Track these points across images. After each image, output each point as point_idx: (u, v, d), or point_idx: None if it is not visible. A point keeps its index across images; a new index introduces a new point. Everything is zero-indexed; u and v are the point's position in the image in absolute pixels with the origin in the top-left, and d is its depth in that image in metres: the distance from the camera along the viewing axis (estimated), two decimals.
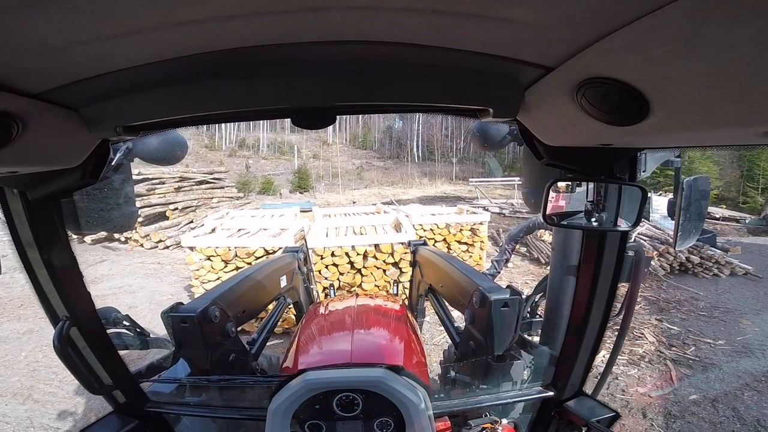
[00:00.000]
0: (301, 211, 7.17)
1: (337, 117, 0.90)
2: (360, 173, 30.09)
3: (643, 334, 5.24)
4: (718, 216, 13.70)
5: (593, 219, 1.11)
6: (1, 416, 3.67)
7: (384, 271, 5.51)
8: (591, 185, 1.11)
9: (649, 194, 11.27)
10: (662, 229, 8.07)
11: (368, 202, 15.53)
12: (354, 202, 16.59)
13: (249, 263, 4.93)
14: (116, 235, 9.58)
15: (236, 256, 4.91)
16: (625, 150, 1.02)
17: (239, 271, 2.18)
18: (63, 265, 1.07)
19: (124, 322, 1.45)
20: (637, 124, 0.68)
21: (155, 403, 1.40)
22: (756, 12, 0.39)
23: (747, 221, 13.77)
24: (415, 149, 34.31)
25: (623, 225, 1.06)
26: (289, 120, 0.90)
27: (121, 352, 1.31)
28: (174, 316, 1.39)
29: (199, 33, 0.60)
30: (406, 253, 5.30)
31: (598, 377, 1.60)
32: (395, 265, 5.50)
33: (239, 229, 5.59)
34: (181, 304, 1.46)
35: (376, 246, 5.49)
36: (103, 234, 9.39)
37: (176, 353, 1.48)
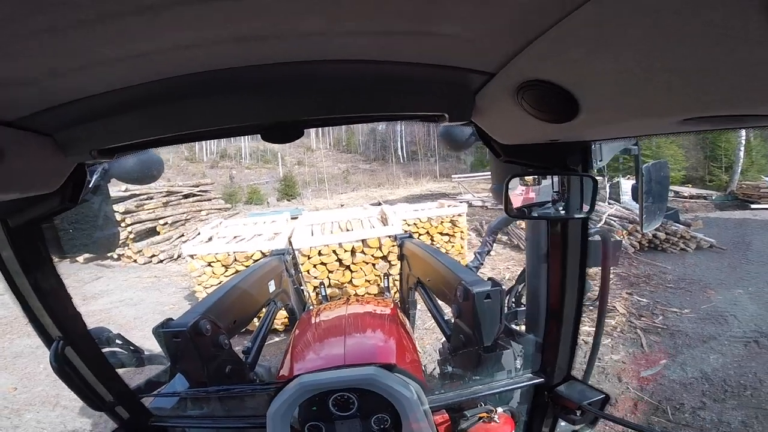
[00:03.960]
0: (291, 218, 7.29)
1: (305, 130, 0.93)
2: (346, 177, 30.10)
3: (614, 307, 5.58)
4: (686, 195, 14.41)
5: (553, 209, 1.17)
6: (37, 422, 3.89)
7: (373, 265, 5.62)
8: (549, 177, 1.17)
9: (618, 179, 11.90)
10: (631, 210, 8.61)
11: (356, 205, 15.74)
12: (342, 206, 16.88)
13: (248, 266, 4.99)
14: (106, 253, 9.58)
15: (235, 260, 5.14)
16: (573, 143, 1.06)
17: (226, 281, 2.14)
18: (50, 289, 1.07)
19: (117, 341, 1.46)
20: (571, 121, 0.73)
21: (159, 418, 1.42)
22: (641, 12, 0.42)
23: (714, 198, 14.54)
24: (399, 150, 34.44)
25: (580, 212, 1.12)
26: None
27: (119, 371, 1.34)
28: (165, 331, 1.39)
29: (165, 60, 0.64)
30: (393, 245, 5.30)
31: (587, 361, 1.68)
32: (384, 258, 5.60)
33: (235, 236, 5.81)
34: (171, 319, 1.46)
35: (364, 241, 5.56)
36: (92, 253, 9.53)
37: (172, 368, 1.50)
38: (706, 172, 18.03)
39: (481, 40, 0.62)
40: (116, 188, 9.85)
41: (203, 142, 31.42)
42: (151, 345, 1.51)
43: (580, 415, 1.40)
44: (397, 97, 0.83)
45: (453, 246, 6.61)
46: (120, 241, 9.46)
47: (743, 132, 17.28)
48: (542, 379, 1.48)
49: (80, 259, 9.54)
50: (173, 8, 0.49)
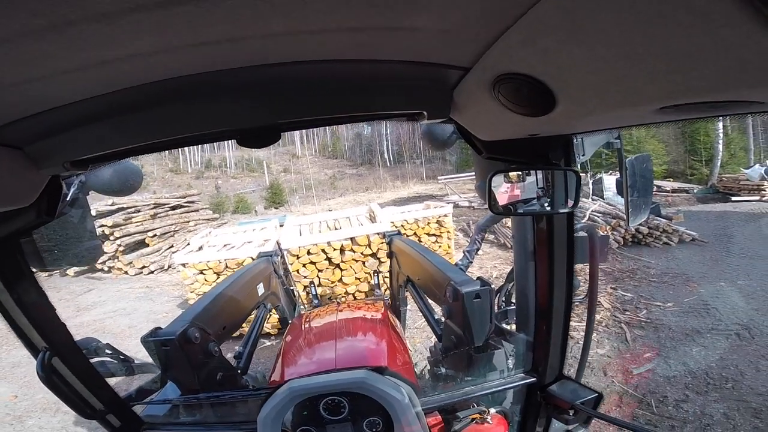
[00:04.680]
0: (280, 225, 7.32)
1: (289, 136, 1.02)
2: (333, 182, 30.12)
3: (599, 302, 5.63)
4: (668, 189, 14.74)
5: (537, 204, 1.16)
6: (39, 428, 3.95)
7: (363, 263, 5.63)
8: (534, 172, 1.15)
9: (601, 174, 12.14)
10: (614, 205, 8.81)
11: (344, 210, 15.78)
12: (330, 210, 16.91)
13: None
14: (98, 265, 9.59)
15: (227, 267, 5.17)
16: (553, 138, 1.05)
17: (213, 286, 2.09)
18: (32, 301, 1.06)
19: (107, 351, 1.44)
20: (549, 114, 0.72)
21: (151, 425, 1.41)
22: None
23: (695, 191, 14.91)
24: (385, 153, 34.59)
25: (564, 207, 1.11)
26: None
27: (109, 380, 1.34)
28: (154, 340, 1.38)
29: (133, 68, 0.61)
30: (382, 242, 5.32)
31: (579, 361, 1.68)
32: (373, 255, 5.61)
33: (225, 244, 5.84)
34: (160, 328, 1.45)
35: (352, 239, 5.57)
36: (84, 266, 9.40)
37: (163, 376, 1.50)
38: (687, 166, 18.47)
39: (453, 31, 0.61)
40: (103, 202, 9.93)
41: (188, 152, 31.45)
42: (146, 352, 1.51)
43: (574, 414, 1.38)
44: (373, 96, 0.82)
45: (440, 246, 6.71)
46: (103, 254, 9.41)
47: (720, 125, 17.86)
48: (534, 379, 1.47)
49: (70, 272, 9.52)
50: (134, 15, 0.47)
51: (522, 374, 1.50)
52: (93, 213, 9.52)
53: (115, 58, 0.57)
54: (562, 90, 0.65)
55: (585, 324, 1.58)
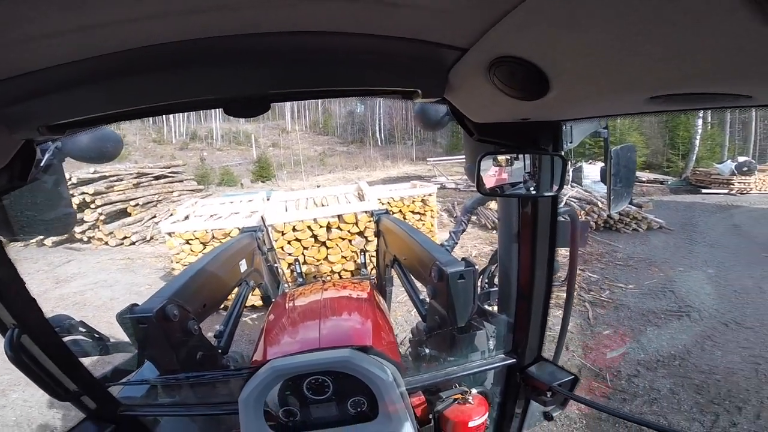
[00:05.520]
0: (267, 199, 7.25)
1: (275, 104, 0.88)
2: (323, 159, 29.89)
3: (558, 278, 6.01)
4: (644, 179, 15.30)
5: (523, 187, 1.16)
6: (23, 401, 3.90)
7: (349, 241, 5.56)
8: (522, 157, 1.16)
9: (581, 163, 12.47)
10: (590, 192, 9.17)
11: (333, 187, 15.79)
12: (318, 186, 16.97)
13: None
14: (78, 235, 9.42)
15: (213, 237, 5.20)
16: (544, 123, 1.06)
17: (193, 262, 1.97)
18: (1, 275, 1.00)
19: (80, 328, 1.38)
20: (542, 98, 0.72)
21: (128, 407, 1.37)
22: None
23: (669, 182, 15.57)
24: (377, 133, 34.39)
25: (549, 191, 1.12)
26: None
27: (83, 360, 1.27)
28: (130, 317, 1.31)
29: (121, 32, 0.59)
30: (370, 221, 5.21)
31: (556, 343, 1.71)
32: (360, 234, 5.54)
33: (212, 215, 5.85)
34: (136, 305, 1.37)
35: (339, 217, 5.45)
36: (63, 236, 9.27)
37: (140, 356, 1.45)
38: (665, 158, 19.10)
39: (454, 12, 0.61)
40: (84, 170, 9.68)
41: (173, 122, 30.66)
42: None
43: (551, 396, 1.40)
44: (368, 71, 0.80)
45: (424, 224, 6.98)
46: (76, 223, 9.13)
47: (700, 121, 18.38)
48: (514, 360, 1.48)
49: (48, 242, 9.38)
50: None
51: (502, 355, 1.51)
52: (74, 180, 9.36)
53: (99, 23, 0.55)
54: (556, 75, 0.65)
55: (563, 307, 1.61)
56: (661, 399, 3.56)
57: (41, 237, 8.66)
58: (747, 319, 4.85)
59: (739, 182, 13.49)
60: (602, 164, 11.81)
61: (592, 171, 11.31)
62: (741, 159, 14.55)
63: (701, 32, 0.44)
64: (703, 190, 14.01)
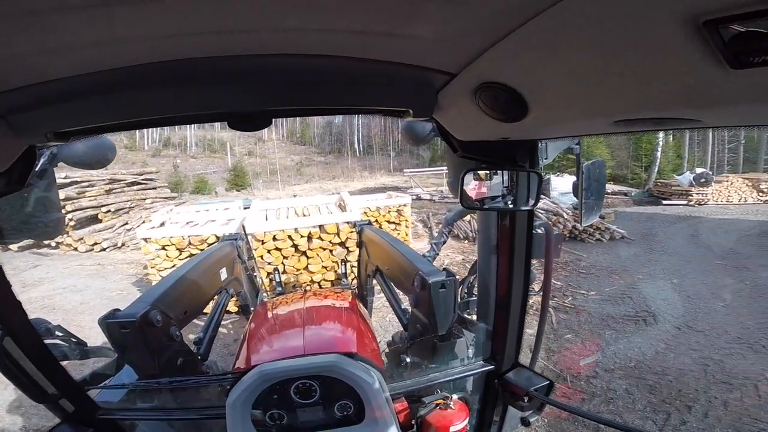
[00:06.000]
0: (244, 208, 7.25)
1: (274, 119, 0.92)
2: (300, 169, 29.82)
3: (532, 287, 6.21)
4: (609, 191, 15.85)
5: (502, 201, 1.23)
6: None
7: (330, 251, 5.54)
8: (501, 173, 1.22)
9: (549, 176, 12.95)
10: (557, 204, 9.57)
11: (310, 196, 15.74)
12: (295, 196, 16.93)
13: (202, 249, 4.96)
14: (45, 241, 9.08)
15: (190, 243, 5.19)
16: (522, 142, 1.13)
17: (175, 268, 1.95)
18: None
19: (57, 333, 1.37)
20: (522, 120, 0.79)
21: (107, 411, 1.36)
22: (589, 21, 0.48)
23: (632, 194, 16.30)
24: (356, 144, 34.54)
25: (525, 205, 1.18)
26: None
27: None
28: (113, 322, 1.30)
29: (134, 48, 0.62)
30: (352, 232, 5.26)
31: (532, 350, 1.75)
32: (342, 245, 5.53)
33: (188, 222, 5.80)
34: (118, 310, 1.37)
35: (321, 227, 5.43)
36: (29, 240, 9.05)
37: (119, 360, 1.44)
38: (629, 171, 20.05)
39: (448, 42, 0.66)
40: (56, 174, 9.35)
41: (145, 129, 29.85)
42: (98, 335, 1.40)
43: (528, 401, 1.45)
44: (364, 92, 0.84)
45: (399, 233, 7.16)
46: (65, 228, 9.02)
47: (661, 134, 19.41)
48: (492, 367, 1.53)
49: (13, 247, 8.96)
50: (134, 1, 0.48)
51: (481, 362, 1.56)
52: None
53: (112, 39, 0.58)
54: (534, 100, 0.71)
55: (539, 314, 1.64)
56: (617, 399, 3.73)
57: (13, 242, 8.31)
58: (699, 323, 5.15)
59: (697, 193, 14.21)
60: (570, 176, 12.38)
61: (559, 183, 11.81)
62: (699, 170, 15.33)
63: (657, 69, 0.51)
64: (664, 201, 14.71)
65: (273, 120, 0.97)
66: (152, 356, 1.37)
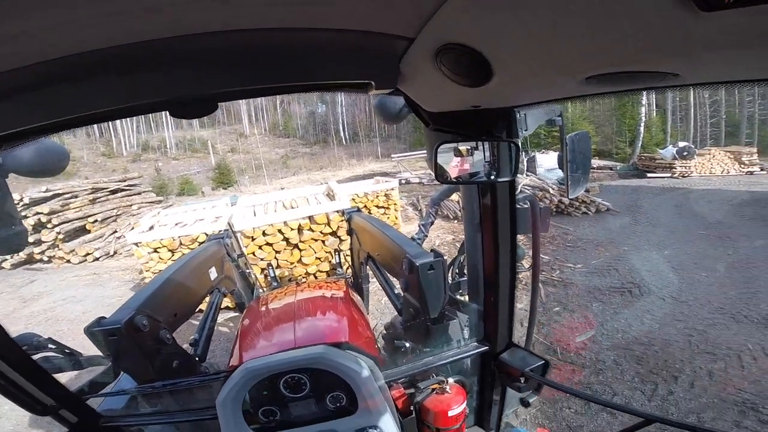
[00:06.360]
0: (231, 204, 7.18)
1: (222, 104, 0.86)
2: (285, 162, 29.56)
3: (521, 264, 6.28)
4: (595, 166, 16.14)
5: (480, 174, 1.20)
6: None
7: (323, 242, 5.50)
8: (481, 147, 1.18)
9: (534, 153, 13.10)
10: (542, 180, 9.70)
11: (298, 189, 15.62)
12: (282, 189, 16.81)
13: (194, 248, 4.79)
14: (37, 255, 9.08)
15: (181, 244, 5.18)
16: (496, 111, 1.08)
17: (159, 273, 1.94)
18: None
19: (50, 345, 1.36)
20: (487, 85, 0.76)
21: (110, 418, 1.37)
22: None
23: (618, 168, 16.55)
24: (341, 132, 34.30)
25: (505, 175, 1.16)
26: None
27: (60, 375, 1.29)
28: (98, 330, 1.29)
29: (56, 38, 0.56)
30: (342, 221, 5.18)
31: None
32: (333, 234, 5.49)
33: (176, 223, 5.78)
34: (104, 318, 1.36)
35: (310, 218, 5.38)
36: (21, 257, 8.98)
37: (115, 368, 1.43)
38: (613, 146, 20.40)
39: (399, 1, 0.63)
40: (36, 189, 9.46)
41: (121, 134, 29.32)
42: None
43: (525, 382, 1.43)
44: (319, 65, 0.79)
45: (388, 217, 7.20)
46: (36, 243, 9.01)
47: (644, 110, 19.73)
48: (487, 348, 1.52)
49: (6, 265, 9.04)
50: None
51: (475, 343, 1.55)
52: (26, 201, 8.98)
53: (27, 30, 0.52)
54: (496, 60, 0.68)
55: (531, 293, 1.63)
56: (606, 370, 3.81)
57: None
58: (682, 294, 5.26)
59: (680, 166, 14.51)
60: (556, 153, 12.50)
61: (545, 160, 11.92)
62: (681, 144, 15.58)
63: (628, 13, 0.48)
64: (649, 175, 14.99)
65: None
66: (145, 361, 1.37)
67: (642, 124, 19.40)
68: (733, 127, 22.30)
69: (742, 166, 14.85)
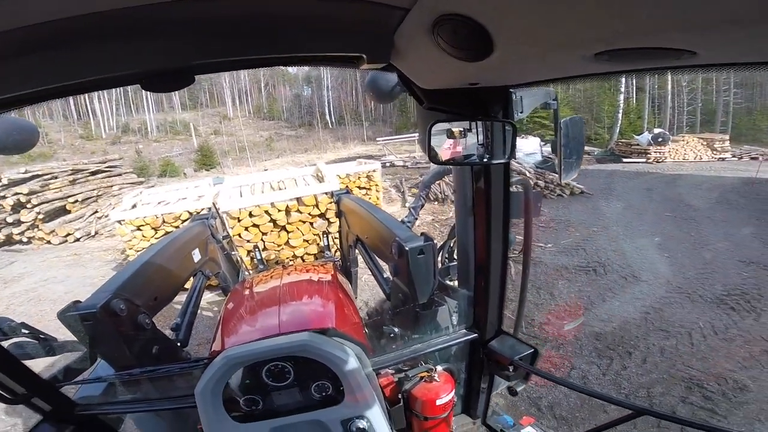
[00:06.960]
0: (215, 185, 7.09)
1: (200, 77, 0.80)
2: (270, 144, 29.33)
3: (513, 251, 6.53)
4: None
5: (474, 155, 1.15)
6: None
7: (311, 224, 5.42)
8: (474, 128, 1.13)
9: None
10: (520, 164, 9.99)
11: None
12: (266, 170, 16.71)
13: (177, 226, 5.03)
14: (16, 236, 8.96)
15: (164, 222, 5.22)
16: (493, 89, 1.03)
17: (138, 254, 1.85)
18: None
19: (23, 330, 1.30)
20: (488, 59, 0.71)
21: (86, 406, 1.33)
22: None
23: (595, 153, 17.04)
24: (327, 115, 34.05)
25: (500, 157, 1.11)
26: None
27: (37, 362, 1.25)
28: (72, 315, 1.23)
29: (19, 6, 0.52)
30: (331, 203, 5.05)
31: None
32: (322, 216, 5.41)
33: (159, 202, 5.80)
34: (79, 301, 1.29)
35: (298, 199, 5.28)
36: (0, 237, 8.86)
37: (91, 354, 1.36)
38: (592, 131, 20.89)
39: None
40: (15, 170, 9.35)
41: (100, 116, 28.56)
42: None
43: (513, 370, 1.40)
44: (306, 36, 0.73)
45: (370, 198, 7.31)
46: (14, 224, 8.93)
47: (622, 97, 20.15)
48: (476, 335, 1.48)
49: None
50: None
51: (464, 330, 1.51)
52: (5, 182, 8.83)
53: None
54: (499, 32, 0.63)
55: (521, 279, 1.56)
56: (566, 344, 3.94)
57: None
58: (644, 273, 5.46)
59: (655, 152, 15.05)
60: (536, 138, 12.73)
61: (524, 144, 12.15)
62: (656, 131, 16.14)
63: None
64: (624, 160, 15.50)
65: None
66: (123, 346, 1.31)
67: (620, 111, 19.87)
68: (709, 114, 23.01)
69: (714, 152, 15.48)
